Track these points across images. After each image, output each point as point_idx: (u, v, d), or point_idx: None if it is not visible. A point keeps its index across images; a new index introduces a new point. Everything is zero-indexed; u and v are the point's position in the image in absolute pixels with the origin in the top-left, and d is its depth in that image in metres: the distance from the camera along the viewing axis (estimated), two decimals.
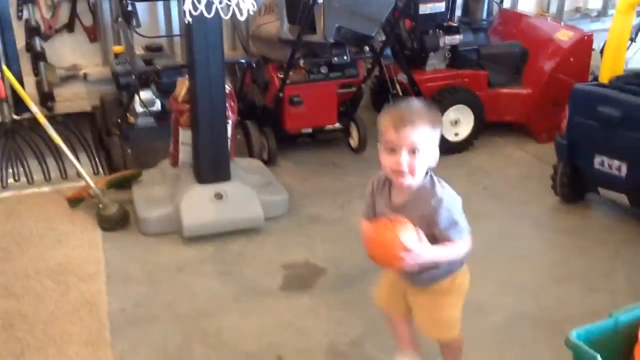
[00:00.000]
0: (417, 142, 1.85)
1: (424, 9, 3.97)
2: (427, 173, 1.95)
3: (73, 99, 4.21)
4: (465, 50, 4.12)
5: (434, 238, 1.92)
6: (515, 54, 4.22)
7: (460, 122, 4.01)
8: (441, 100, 3.93)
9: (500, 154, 4.05)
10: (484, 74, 4.11)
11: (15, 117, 3.61)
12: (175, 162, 3.44)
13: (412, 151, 1.86)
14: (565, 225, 3.32)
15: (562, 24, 4.46)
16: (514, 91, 4.16)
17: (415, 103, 1.96)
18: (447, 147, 3.98)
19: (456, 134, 4.03)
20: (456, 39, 4.05)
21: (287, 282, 2.86)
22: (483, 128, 4.09)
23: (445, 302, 2.09)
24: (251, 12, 2.68)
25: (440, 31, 4.03)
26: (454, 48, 4.10)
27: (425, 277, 2.02)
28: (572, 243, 3.16)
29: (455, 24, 4.09)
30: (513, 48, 4.24)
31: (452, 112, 3.97)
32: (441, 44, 4.04)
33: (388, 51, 4.06)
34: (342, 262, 2.99)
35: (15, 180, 3.58)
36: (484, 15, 4.34)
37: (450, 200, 1.95)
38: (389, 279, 2.17)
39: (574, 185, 3.39)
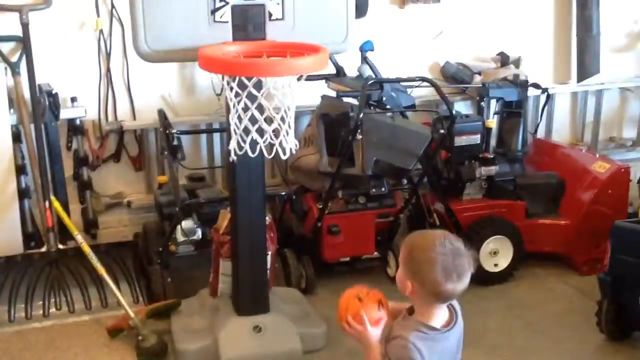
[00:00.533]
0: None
1: (460, 141, 4.05)
2: None
3: (116, 226, 4.31)
4: (501, 180, 4.16)
5: None
6: (552, 184, 4.25)
7: (499, 252, 3.99)
8: (479, 231, 3.94)
9: (541, 287, 3.99)
10: (521, 205, 4.12)
11: (60, 246, 3.70)
12: (214, 292, 3.46)
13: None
14: None
15: (597, 155, 4.50)
16: (552, 222, 4.15)
17: (462, 248, 1.94)
18: (486, 278, 3.96)
19: (495, 265, 4.00)
20: (492, 170, 4.10)
21: None
22: (523, 259, 4.06)
23: None
24: (293, 152, 2.76)
25: (476, 162, 4.10)
26: (490, 178, 4.14)
27: None
28: None
29: (491, 155, 4.16)
30: (550, 178, 4.28)
31: (491, 243, 3.96)
32: (477, 174, 4.10)
33: (425, 180, 4.13)
34: None
35: (57, 309, 3.61)
36: (519, 146, 4.40)
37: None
38: None
39: (621, 323, 3.31)
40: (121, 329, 3.37)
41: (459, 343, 2.03)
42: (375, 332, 1.94)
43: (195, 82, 4.41)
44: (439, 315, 1.97)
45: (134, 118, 4.32)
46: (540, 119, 4.92)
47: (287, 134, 2.71)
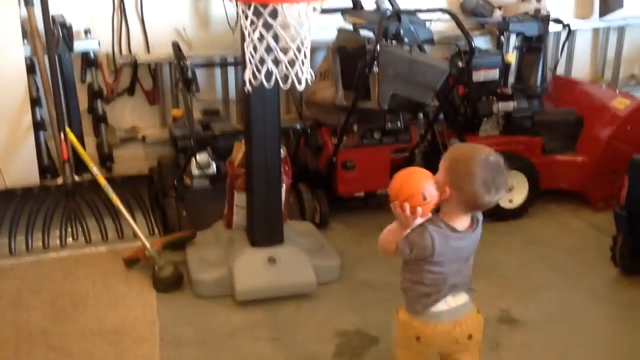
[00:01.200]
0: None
1: (477, 76, 3.98)
2: None
3: (131, 160, 4.32)
4: (519, 116, 4.11)
5: None
6: (570, 121, 4.19)
7: (514, 188, 3.97)
8: None
9: (555, 223, 3.98)
10: (538, 141, 4.08)
11: (76, 178, 3.72)
12: (229, 225, 3.48)
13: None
14: (626, 299, 3.23)
15: (618, 91, 4.43)
16: (569, 158, 4.11)
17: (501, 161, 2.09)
18: (501, 214, 3.95)
19: (510, 201, 3.98)
20: (510, 105, 4.06)
21: (340, 351, 2.83)
22: (538, 195, 4.04)
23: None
24: (309, 82, 2.72)
25: (494, 98, 4.05)
26: (507, 114, 4.09)
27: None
28: (634, 317, 3.07)
29: (509, 91, 4.10)
30: (568, 115, 4.22)
31: (510, 178, 3.94)
32: (495, 110, 4.05)
33: (441, 116, 4.09)
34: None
35: (73, 239, 3.66)
36: (538, 82, 4.33)
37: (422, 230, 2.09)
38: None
39: (635, 256, 3.30)
40: (137, 260, 3.41)
41: (474, 247, 2.20)
42: (417, 222, 2.08)
43: (210, 15, 4.35)
44: (462, 220, 2.12)
45: (148, 51, 4.28)
46: (561, 55, 4.84)
47: (303, 64, 2.66)
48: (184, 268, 3.32)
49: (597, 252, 3.58)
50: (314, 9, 2.61)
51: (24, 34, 3.83)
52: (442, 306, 2.15)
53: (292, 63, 2.65)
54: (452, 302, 2.16)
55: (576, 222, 4.00)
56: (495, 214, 3.95)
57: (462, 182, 2.03)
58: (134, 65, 4.25)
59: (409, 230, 2.10)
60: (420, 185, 2.06)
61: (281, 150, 3.33)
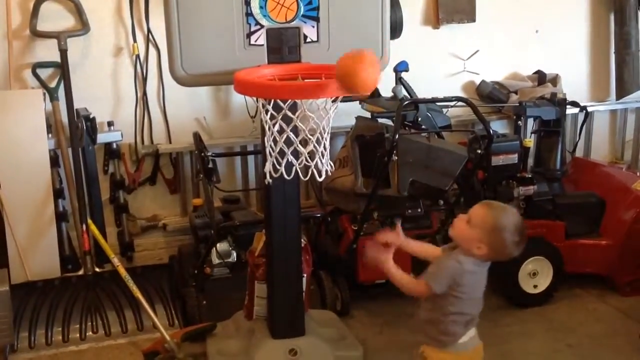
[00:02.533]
0: (475, 221, 2.43)
1: (497, 160, 3.99)
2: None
3: (152, 249, 4.34)
4: (539, 200, 4.08)
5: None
6: (592, 203, 4.15)
7: (538, 274, 3.91)
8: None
9: (582, 308, 3.90)
10: (560, 225, 4.04)
11: (97, 269, 3.72)
12: (249, 315, 3.44)
13: (468, 222, 2.43)
14: None
15: (639, 173, 4.41)
16: (593, 242, 4.05)
17: (515, 213, 2.51)
18: (525, 300, 3.89)
19: (535, 286, 3.92)
20: (530, 189, 4.03)
21: None
22: (563, 280, 3.97)
23: None
24: (329, 173, 2.74)
25: (514, 182, 4.03)
26: (528, 198, 4.07)
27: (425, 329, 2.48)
28: None
29: (529, 175, 4.09)
30: (589, 198, 4.19)
31: (530, 264, 3.89)
32: (515, 194, 4.02)
33: (461, 200, 4.07)
34: None
35: (93, 332, 3.63)
36: (558, 165, 4.33)
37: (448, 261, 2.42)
38: None
39: None
40: (157, 352, 3.36)
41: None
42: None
43: (230, 105, 4.45)
44: None
45: (170, 141, 4.36)
46: (579, 138, 4.85)
47: (323, 155, 2.69)
48: None
49: (626, 338, 3.49)
50: (333, 101, 2.65)
51: (49, 128, 3.92)
52: (471, 333, 2.44)
53: (311, 155, 2.68)
54: (472, 331, 2.48)
55: (603, 307, 3.91)
56: (520, 301, 3.89)
57: (500, 246, 2.36)
58: (156, 155, 4.31)
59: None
60: None
61: (302, 239, 3.33)
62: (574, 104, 4.52)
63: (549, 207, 4.10)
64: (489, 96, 4.71)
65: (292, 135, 2.65)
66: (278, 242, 3.17)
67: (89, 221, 3.73)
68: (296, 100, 2.61)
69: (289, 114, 2.61)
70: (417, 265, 3.94)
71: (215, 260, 3.83)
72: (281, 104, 2.61)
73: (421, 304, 2.50)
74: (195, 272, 3.80)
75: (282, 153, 2.68)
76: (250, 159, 4.47)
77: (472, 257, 2.38)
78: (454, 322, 2.41)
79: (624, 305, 3.87)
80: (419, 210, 3.84)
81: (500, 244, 2.36)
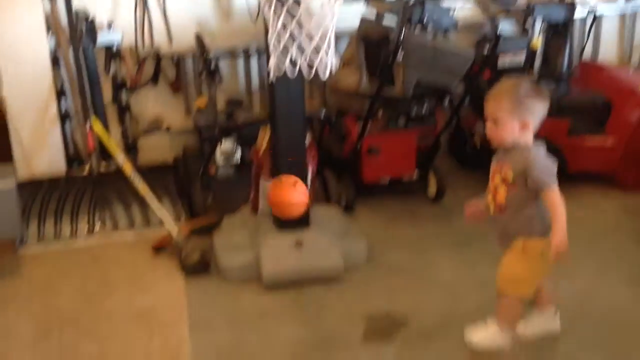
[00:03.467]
0: (495, 113, 2.42)
1: (503, 61, 3.94)
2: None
3: (156, 150, 4.34)
4: None
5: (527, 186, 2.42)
6: (598, 104, 4.13)
7: None
8: None
9: (584, 204, 3.91)
10: (564, 124, 4.02)
11: (102, 168, 3.73)
12: (255, 209, 3.48)
13: (494, 121, 2.43)
14: None
15: None
16: (597, 142, 4.05)
17: (519, 82, 2.47)
18: None
19: None
20: None
21: (368, 333, 2.81)
22: (566, 179, 3.97)
23: (513, 258, 2.48)
24: (333, 71, 2.71)
25: None
26: None
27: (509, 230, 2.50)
28: None
29: (535, 75, 4.05)
30: (595, 99, 4.16)
31: None
32: None
33: (467, 100, 4.05)
34: (422, 314, 2.92)
35: (101, 226, 3.68)
36: (565, 67, 4.27)
37: (536, 153, 2.45)
38: None
39: None
40: (165, 246, 3.42)
41: None
42: None
43: (232, 7, 4.36)
44: None
45: (171, 43, 4.29)
46: (587, 41, 4.78)
47: (327, 52, 2.66)
48: (211, 254, 3.32)
49: (628, 234, 3.53)
50: None
51: (48, 28, 3.86)
52: None
53: (316, 51, 2.64)
54: None
55: (606, 204, 3.93)
56: None
57: (536, 109, 2.42)
58: (157, 57, 4.26)
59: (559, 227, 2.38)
60: None
61: (307, 136, 3.32)
62: (583, 5, 4.44)
63: (555, 106, 4.05)
64: None
65: (295, 31, 2.60)
66: (283, 140, 3.18)
67: (94, 119, 3.71)
68: None
69: (292, 8, 2.56)
70: (420, 166, 4.01)
71: (220, 160, 3.84)
72: None
73: (507, 212, 2.52)
74: (200, 172, 3.81)
75: (285, 50, 2.64)
76: (253, 61, 4.42)
77: (531, 141, 2.46)
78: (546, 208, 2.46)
79: (627, 202, 3.90)
80: (424, 109, 3.82)
81: (533, 107, 2.41)
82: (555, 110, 4.00)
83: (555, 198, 2.39)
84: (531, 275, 2.50)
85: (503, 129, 2.40)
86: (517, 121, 2.39)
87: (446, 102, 3.91)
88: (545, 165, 2.42)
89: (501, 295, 2.53)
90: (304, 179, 3.24)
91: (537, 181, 2.39)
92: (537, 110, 2.42)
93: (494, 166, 2.55)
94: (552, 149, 3.84)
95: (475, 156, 4.20)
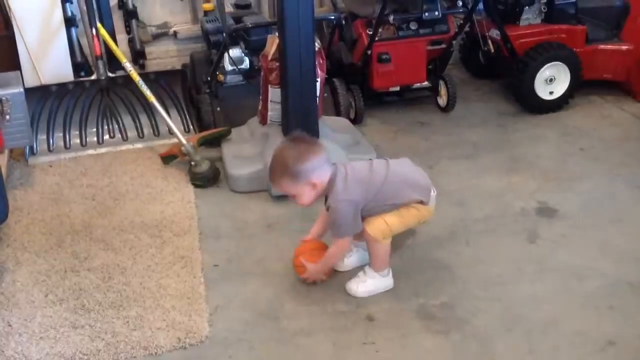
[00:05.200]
0: (286, 191, 2.41)
1: None
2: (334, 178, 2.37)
3: (164, 56, 4.29)
4: (561, 4, 3.92)
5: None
6: (616, 8, 4.01)
7: (555, 79, 3.85)
8: (535, 57, 3.79)
9: (597, 114, 3.88)
10: (581, 29, 3.92)
11: (109, 74, 3.70)
12: (263, 120, 3.45)
13: (291, 195, 2.40)
14: None
15: None
16: (613, 47, 3.95)
17: (281, 147, 2.42)
18: (541, 106, 3.87)
19: (551, 92, 3.88)
20: None
21: None
22: (579, 86, 3.91)
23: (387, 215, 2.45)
24: None
25: None
26: (549, 2, 3.91)
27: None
28: None
29: None
30: (613, 2, 4.03)
31: (547, 70, 3.81)
32: None
33: (480, 6, 3.93)
34: (430, 222, 2.91)
35: (110, 136, 3.68)
36: None
37: (336, 207, 2.36)
38: None
39: None
40: (174, 156, 3.42)
41: None
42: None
43: None
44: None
45: None
46: None
47: None
48: (220, 164, 3.34)
49: (639, 142, 3.50)
50: None
51: None
52: None
53: None
54: None
55: (619, 113, 3.89)
56: (535, 106, 3.87)
57: (311, 165, 2.33)
58: None
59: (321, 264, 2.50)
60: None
61: (315, 42, 3.25)
62: None
63: (571, 11, 3.95)
64: None
65: None
66: (291, 44, 3.09)
67: (99, 25, 3.64)
68: None
69: None
70: (431, 74, 3.93)
71: (228, 66, 3.79)
72: None
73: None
74: (209, 79, 3.77)
75: None
76: None
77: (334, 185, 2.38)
78: None
79: (639, 111, 3.84)
80: (436, 13, 3.72)
81: (310, 166, 2.34)
82: (573, 17, 3.93)
83: (339, 245, 2.45)
84: (403, 224, 2.49)
85: (301, 198, 2.39)
86: (306, 186, 2.35)
87: (459, 5, 3.79)
88: (342, 219, 2.38)
89: (374, 242, 2.47)
90: (313, 85, 3.20)
91: (332, 228, 2.44)
92: (316, 164, 2.34)
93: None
94: (570, 56, 3.82)
95: (488, 64, 4.12)
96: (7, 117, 3.13)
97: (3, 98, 3.11)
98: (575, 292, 2.46)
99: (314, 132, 3.25)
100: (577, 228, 2.87)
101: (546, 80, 3.84)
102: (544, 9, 3.93)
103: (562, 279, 2.54)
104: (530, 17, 3.95)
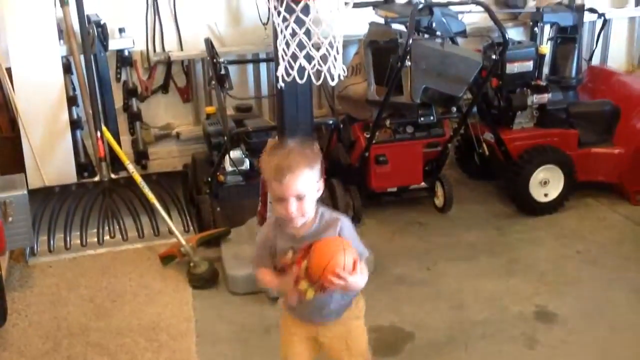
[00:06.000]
0: (301, 188, 1.95)
1: (512, 68, 3.94)
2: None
3: (166, 157, 4.37)
4: (554, 109, 4.04)
5: None
6: (606, 112, 4.12)
7: (549, 182, 3.92)
8: (530, 160, 3.87)
9: (592, 216, 3.92)
10: (574, 133, 4.02)
11: (112, 176, 3.77)
12: (262, 221, 3.49)
13: (299, 197, 1.95)
14: None
15: None
16: (605, 151, 4.04)
17: (291, 145, 2.05)
18: (536, 208, 3.92)
19: (545, 195, 3.93)
20: (545, 97, 3.99)
21: (376, 347, 2.80)
22: (574, 188, 3.98)
23: (359, 327, 2.19)
24: (342, 78, 2.71)
25: (528, 90, 3.99)
26: (542, 107, 4.03)
27: (336, 306, 2.10)
28: None
29: (544, 83, 4.05)
30: (604, 106, 4.14)
31: (542, 173, 3.89)
32: (529, 102, 3.99)
33: (474, 109, 4.05)
34: (429, 326, 2.94)
35: (110, 237, 3.71)
36: (573, 73, 4.27)
37: (350, 226, 2.09)
38: (293, 340, 2.20)
39: None
40: (173, 256, 3.45)
41: None
42: None
43: (242, 12, 4.39)
44: None
45: (181, 48, 4.32)
46: (596, 45, 4.78)
47: (336, 59, 2.66)
48: (219, 265, 3.35)
49: (635, 246, 3.54)
50: (346, 4, 2.60)
51: (60, 34, 3.89)
52: None
53: (324, 59, 2.64)
54: None
55: (613, 215, 3.94)
56: (531, 209, 3.92)
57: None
58: (168, 63, 4.29)
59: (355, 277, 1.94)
60: (335, 258, 1.92)
61: (314, 145, 3.32)
62: (592, 10, 4.43)
63: (563, 115, 4.06)
64: (506, 2, 4.61)
65: (304, 38, 2.61)
66: None
67: (104, 128, 3.75)
68: (308, 2, 2.57)
69: (301, 16, 2.57)
70: (427, 175, 4.01)
71: (229, 167, 3.87)
72: (293, 5, 2.57)
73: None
74: (209, 179, 3.84)
75: (294, 57, 2.64)
76: (263, 67, 4.43)
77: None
78: None
79: (634, 214, 3.90)
80: (432, 118, 3.83)
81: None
82: (565, 121, 4.04)
83: (365, 271, 2.00)
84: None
85: (307, 204, 1.98)
86: (318, 185, 2.02)
87: (454, 110, 3.91)
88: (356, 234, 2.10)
89: None
90: None
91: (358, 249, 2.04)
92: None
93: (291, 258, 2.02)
94: (564, 159, 3.90)
95: (484, 166, 4.20)
96: (10, 219, 3.18)
97: (7, 200, 3.16)
98: None
99: None
100: (577, 334, 2.86)
101: (540, 183, 3.90)
102: (536, 113, 4.05)
103: None
104: (522, 121, 4.05)
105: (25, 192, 3.24)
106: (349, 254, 1.92)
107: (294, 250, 2.01)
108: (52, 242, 3.63)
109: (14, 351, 2.80)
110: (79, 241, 3.67)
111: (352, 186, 3.95)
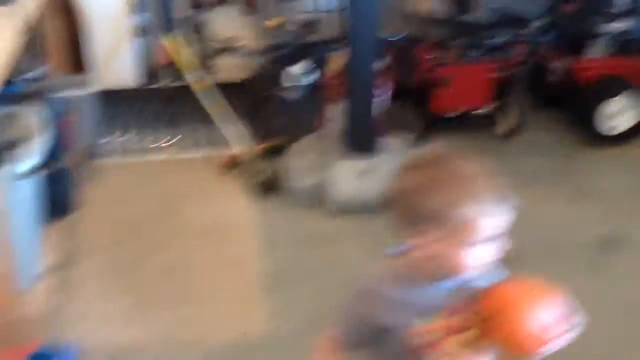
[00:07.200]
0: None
1: None
2: None
3: (228, 69, 4.34)
4: (633, 37, 3.85)
5: None
6: None
7: (619, 114, 3.77)
8: (599, 91, 3.73)
9: None
10: None
11: (174, 84, 3.77)
12: (324, 134, 3.48)
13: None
14: None
15: None
16: None
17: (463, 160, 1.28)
18: (606, 139, 3.80)
19: (614, 127, 3.80)
20: (624, 24, 3.81)
21: None
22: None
23: None
24: None
25: (607, 16, 3.81)
26: (620, 34, 3.85)
27: None
28: None
29: (624, 8, 3.84)
30: None
31: (612, 104, 3.75)
32: (606, 29, 3.82)
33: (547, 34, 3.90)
34: None
35: (172, 144, 3.74)
36: None
37: None
38: None
39: None
40: (235, 165, 3.46)
41: None
42: None
43: None
44: None
45: None
46: None
47: None
48: (280, 174, 3.36)
49: None
50: None
51: None
52: None
53: None
54: None
55: None
56: (600, 139, 3.79)
57: None
58: None
59: None
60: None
61: (380, 62, 3.27)
62: None
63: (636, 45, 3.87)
64: None
65: None
66: (355, 63, 3.14)
67: (167, 36, 3.73)
68: None
69: None
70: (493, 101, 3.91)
71: (291, 80, 3.83)
72: None
73: None
74: (272, 92, 3.81)
75: None
76: None
77: None
78: None
79: None
80: (501, 39, 3.70)
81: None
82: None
83: None
84: None
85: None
86: None
87: (526, 33, 3.76)
88: None
89: None
90: (374, 103, 3.21)
91: None
92: None
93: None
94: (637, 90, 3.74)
95: (554, 93, 4.06)
96: (79, 117, 3.22)
97: (75, 99, 3.20)
98: None
99: (372, 148, 3.27)
100: None
101: (610, 115, 3.77)
102: (614, 41, 3.87)
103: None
104: (598, 48, 3.88)
105: (93, 91, 3.27)
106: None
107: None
108: (117, 142, 3.67)
109: (79, 241, 2.87)
110: (143, 144, 3.70)
111: (413, 108, 3.87)
